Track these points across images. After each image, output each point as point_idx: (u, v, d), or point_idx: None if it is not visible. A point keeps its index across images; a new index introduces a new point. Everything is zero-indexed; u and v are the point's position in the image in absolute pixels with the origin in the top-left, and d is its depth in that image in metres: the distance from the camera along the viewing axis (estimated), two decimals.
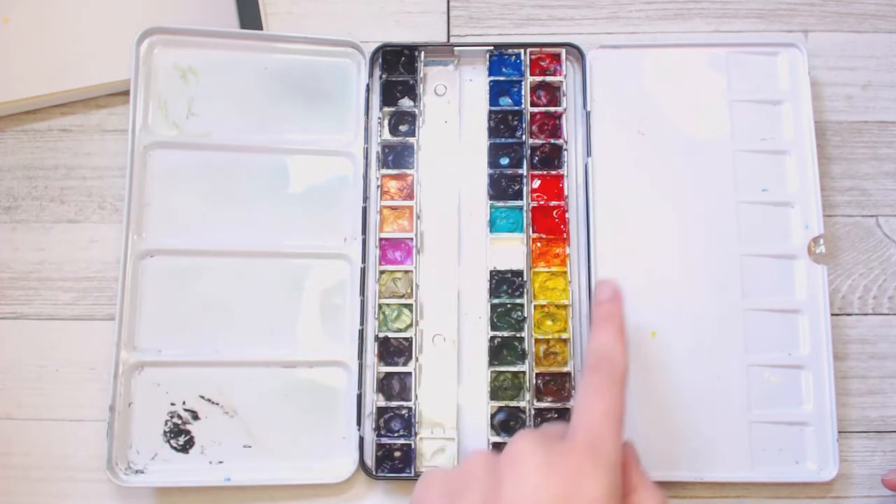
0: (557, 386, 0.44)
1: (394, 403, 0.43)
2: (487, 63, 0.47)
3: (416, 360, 0.44)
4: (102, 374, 0.44)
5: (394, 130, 0.47)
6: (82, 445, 0.44)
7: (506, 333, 0.44)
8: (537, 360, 0.44)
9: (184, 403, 0.43)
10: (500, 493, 0.28)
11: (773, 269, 0.45)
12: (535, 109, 0.47)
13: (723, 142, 0.46)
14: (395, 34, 0.49)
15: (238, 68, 0.47)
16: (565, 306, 0.44)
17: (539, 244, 0.45)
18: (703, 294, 0.44)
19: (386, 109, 0.47)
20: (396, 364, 0.44)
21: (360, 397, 0.43)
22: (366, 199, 0.45)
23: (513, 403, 0.43)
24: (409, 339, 0.44)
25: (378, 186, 0.46)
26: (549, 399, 0.43)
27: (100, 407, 0.43)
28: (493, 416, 0.43)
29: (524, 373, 0.44)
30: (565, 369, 0.44)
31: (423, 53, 0.47)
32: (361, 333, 0.44)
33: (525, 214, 0.45)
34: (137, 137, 0.45)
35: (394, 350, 0.44)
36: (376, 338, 0.44)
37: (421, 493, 0.32)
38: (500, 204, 0.46)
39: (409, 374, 0.44)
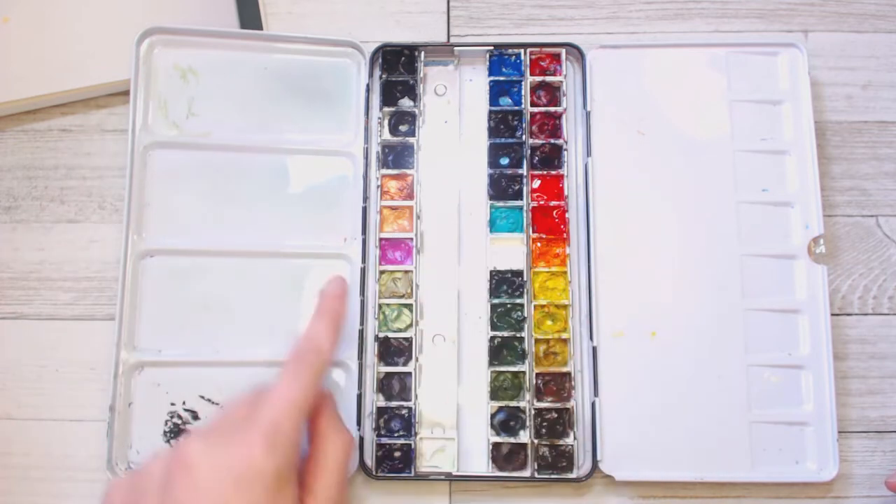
0: (557, 386, 0.44)
1: (394, 403, 0.43)
2: (487, 63, 0.47)
3: (416, 360, 0.44)
4: (102, 374, 0.44)
5: (394, 130, 0.47)
6: (82, 445, 0.44)
7: (506, 333, 0.44)
8: (537, 360, 0.44)
9: (184, 403, 0.43)
10: (173, 498, 0.31)
11: (773, 269, 0.45)
12: (535, 109, 0.47)
13: (723, 142, 0.46)
14: (395, 34, 0.49)
15: (238, 68, 0.47)
16: (565, 306, 0.44)
17: (539, 244, 0.45)
18: (703, 294, 0.44)
19: (386, 109, 0.47)
20: (396, 364, 0.44)
21: (360, 397, 0.43)
22: (366, 199, 0.45)
23: (513, 403, 0.43)
24: (409, 339, 0.44)
25: (378, 186, 0.46)
26: (549, 399, 0.43)
27: (100, 407, 0.43)
28: (493, 416, 0.43)
29: (524, 373, 0.44)
30: (565, 369, 0.44)
31: (423, 53, 0.47)
32: (361, 333, 0.44)
33: (525, 214, 0.45)
34: (137, 137, 0.45)
35: (394, 350, 0.44)
36: (376, 338, 0.44)
37: (106, 501, 0.34)
38: (500, 204, 0.46)
39: (409, 374, 0.44)
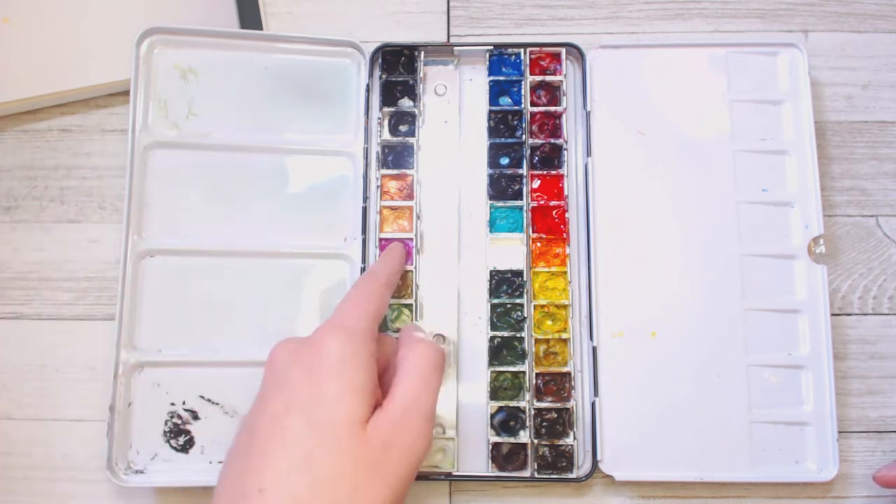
0: (557, 386, 0.44)
1: None
2: (487, 63, 0.47)
3: None
4: (102, 374, 0.44)
5: (394, 130, 0.47)
6: (82, 445, 0.44)
7: (506, 333, 0.44)
8: (537, 360, 0.44)
9: (184, 403, 0.43)
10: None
11: (773, 269, 0.45)
12: (535, 109, 0.47)
13: (723, 142, 0.46)
14: (395, 34, 0.49)
15: (238, 68, 0.47)
16: (565, 306, 0.44)
17: (539, 244, 0.45)
18: (703, 294, 0.44)
19: (386, 109, 0.47)
20: None
21: None
22: (366, 199, 0.45)
23: (513, 403, 0.43)
24: None
25: (378, 186, 0.46)
26: (549, 399, 0.43)
27: (100, 407, 0.43)
28: (493, 416, 0.43)
29: (524, 373, 0.44)
30: (565, 369, 0.44)
31: (423, 53, 0.47)
32: None
33: (525, 214, 0.45)
34: (137, 137, 0.45)
35: None
36: None
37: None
38: (500, 204, 0.46)
39: None
